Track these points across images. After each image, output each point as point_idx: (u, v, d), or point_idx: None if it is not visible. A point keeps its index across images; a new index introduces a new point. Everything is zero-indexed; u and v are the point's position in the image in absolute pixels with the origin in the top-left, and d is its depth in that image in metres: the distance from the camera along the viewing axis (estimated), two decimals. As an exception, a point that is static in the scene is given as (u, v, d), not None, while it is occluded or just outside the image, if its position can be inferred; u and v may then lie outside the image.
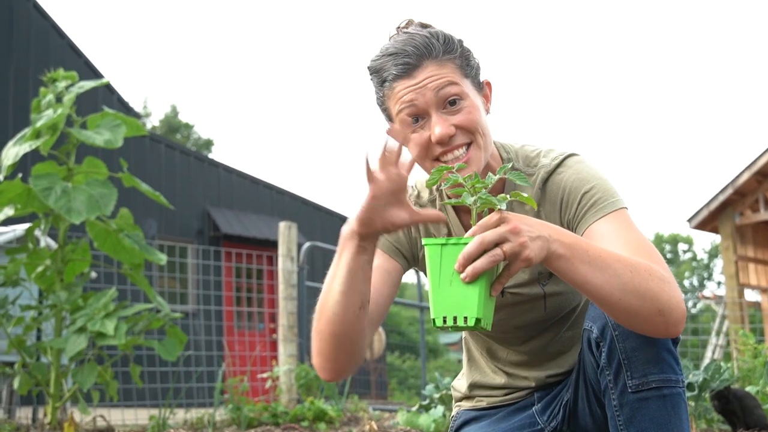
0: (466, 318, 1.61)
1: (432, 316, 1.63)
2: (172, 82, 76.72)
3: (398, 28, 2.03)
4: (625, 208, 1.94)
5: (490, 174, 1.70)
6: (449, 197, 1.98)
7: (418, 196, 2.17)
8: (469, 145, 1.94)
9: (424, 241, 1.66)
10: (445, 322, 1.62)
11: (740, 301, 13.12)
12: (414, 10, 2.09)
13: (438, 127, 1.90)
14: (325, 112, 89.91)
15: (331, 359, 1.90)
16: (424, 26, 2.00)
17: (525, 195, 1.68)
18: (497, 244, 1.60)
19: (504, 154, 2.10)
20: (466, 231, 1.70)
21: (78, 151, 5.11)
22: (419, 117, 1.93)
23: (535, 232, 1.63)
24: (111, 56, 75.56)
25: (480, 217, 1.67)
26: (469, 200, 1.67)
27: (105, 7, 79.68)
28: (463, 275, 1.60)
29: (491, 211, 1.67)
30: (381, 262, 2.05)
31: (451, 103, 1.91)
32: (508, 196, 1.67)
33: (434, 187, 2.12)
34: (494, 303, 1.69)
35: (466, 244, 1.60)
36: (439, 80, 1.90)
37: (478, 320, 1.60)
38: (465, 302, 1.60)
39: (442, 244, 1.63)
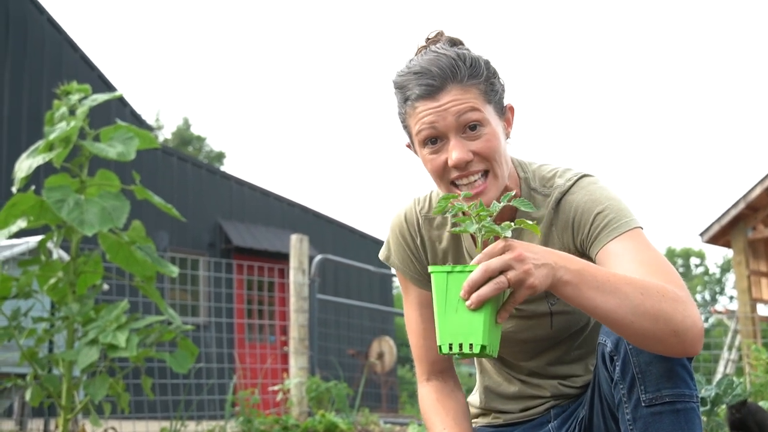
0: (471, 345, 1.62)
1: (438, 343, 1.65)
2: (184, 95, 77.05)
3: (427, 39, 2.03)
4: (640, 227, 1.94)
5: (495, 202, 1.70)
6: (454, 225, 1.99)
7: (430, 208, 2.18)
8: (486, 173, 1.94)
9: (430, 268, 1.68)
10: (451, 348, 1.64)
11: (753, 316, 13.05)
12: (436, 25, 2.08)
13: (455, 152, 1.90)
14: (336, 125, 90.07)
15: None
16: (453, 43, 2.00)
17: (530, 222, 1.68)
18: (502, 271, 1.61)
19: (521, 173, 2.10)
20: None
21: (91, 163, 5.13)
22: (438, 139, 1.93)
23: (541, 260, 1.64)
24: (124, 69, 75.93)
25: (486, 244, 1.68)
26: (472, 228, 1.68)
27: (119, 20, 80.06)
28: (468, 302, 1.61)
29: (497, 238, 1.68)
30: (416, 296, 2.16)
31: (471, 128, 1.91)
32: (512, 224, 1.67)
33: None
34: (500, 330, 1.70)
35: (471, 271, 1.62)
36: (462, 105, 1.90)
37: (483, 347, 1.62)
38: (471, 329, 1.62)
39: (448, 272, 1.65)
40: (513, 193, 1.75)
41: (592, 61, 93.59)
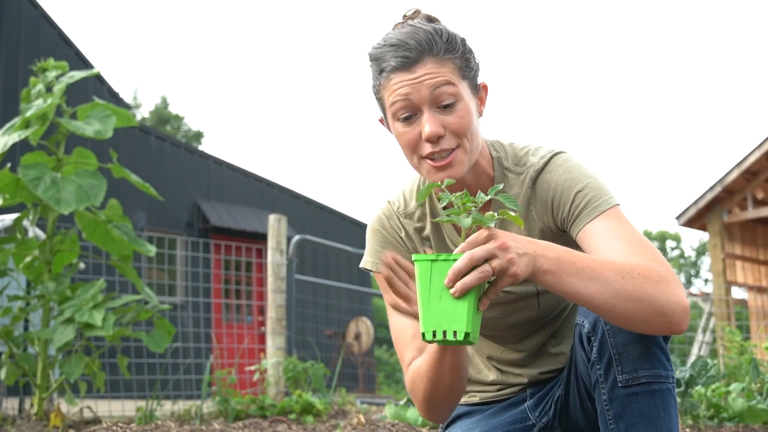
0: (455, 332, 1.64)
1: (421, 330, 1.66)
2: (162, 74, 76.60)
3: (404, 16, 2.03)
4: (618, 204, 1.95)
5: (480, 193, 1.71)
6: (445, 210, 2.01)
7: (406, 205, 2.18)
8: (455, 148, 1.94)
9: (414, 257, 1.69)
10: (434, 336, 1.65)
11: (727, 299, 13.17)
12: (415, 4, 2.08)
13: (428, 125, 1.90)
14: (315, 106, 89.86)
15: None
16: (430, 20, 2.00)
17: (513, 214, 1.69)
18: (486, 260, 1.63)
19: (494, 152, 2.10)
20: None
21: (68, 141, 5.10)
22: (412, 112, 1.93)
23: (522, 249, 1.65)
24: (102, 47, 75.40)
25: (468, 233, 1.70)
26: (465, 223, 1.68)
27: (95, -3, 79.42)
28: (452, 290, 1.63)
29: (479, 227, 1.69)
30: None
31: (446, 104, 1.91)
32: (496, 214, 1.68)
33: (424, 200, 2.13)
34: (481, 317, 1.71)
35: (455, 260, 1.63)
36: (437, 78, 1.90)
37: (467, 334, 1.64)
38: (454, 317, 1.64)
39: (432, 260, 1.66)
40: (501, 186, 1.75)
41: (571, 45, 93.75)
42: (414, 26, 1.94)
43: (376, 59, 1.96)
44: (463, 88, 1.94)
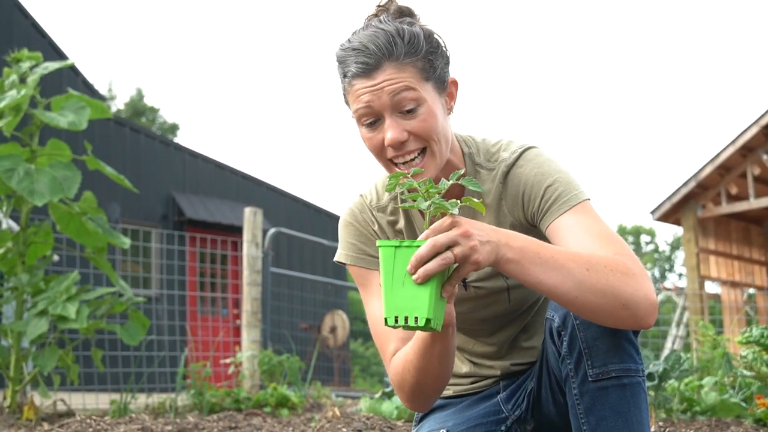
0: (417, 318, 1.65)
1: (384, 315, 1.67)
2: (137, 66, 76.13)
3: (378, 7, 2.01)
4: (588, 199, 1.96)
5: (443, 180, 1.71)
6: (403, 201, 2.03)
7: (378, 199, 2.18)
8: (423, 151, 1.94)
9: (378, 243, 1.70)
10: (396, 321, 1.67)
11: (701, 293, 13.26)
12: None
13: (390, 131, 1.91)
14: (291, 99, 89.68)
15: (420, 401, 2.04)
16: (401, 13, 1.98)
17: (476, 201, 1.70)
18: (449, 247, 1.63)
19: (465, 148, 2.11)
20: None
21: (42, 132, 5.07)
22: (374, 118, 1.93)
23: (485, 237, 1.66)
24: (76, 38, 74.89)
25: (433, 221, 1.71)
26: (423, 205, 1.69)
27: (71, -13, 78.83)
28: (414, 276, 1.63)
29: (443, 215, 1.70)
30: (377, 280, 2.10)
31: (407, 109, 1.91)
32: (459, 201, 1.69)
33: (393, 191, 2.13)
34: (445, 304, 1.72)
35: (418, 246, 1.64)
36: (397, 84, 1.89)
37: (428, 320, 1.65)
38: (416, 303, 1.65)
39: (396, 246, 1.67)
40: (462, 171, 1.75)
41: (547, 41, 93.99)
42: (376, 27, 1.93)
43: (340, 62, 1.97)
44: (426, 90, 1.93)
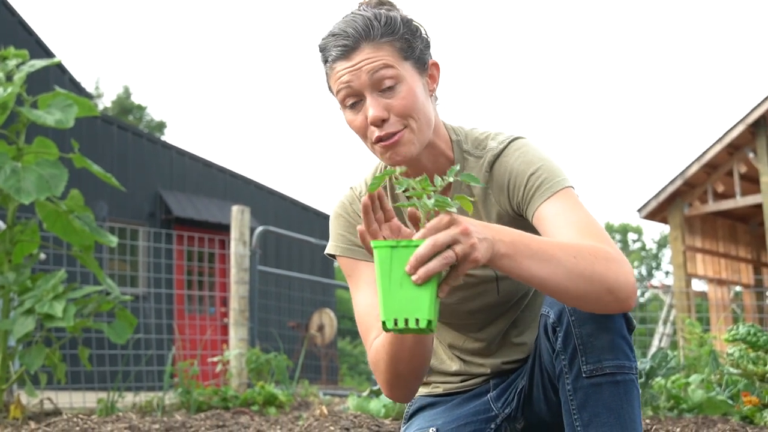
0: (417, 320, 1.60)
1: (382, 319, 1.61)
2: (124, 63, 75.88)
3: (360, 2, 2.06)
4: (571, 186, 1.97)
5: (437, 177, 1.69)
6: (400, 198, 2.06)
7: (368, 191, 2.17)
8: (402, 129, 1.96)
9: (373, 243, 1.64)
10: (396, 324, 1.61)
11: (687, 291, 13.30)
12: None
13: (372, 109, 1.93)
14: (279, 97, 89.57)
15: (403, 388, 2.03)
16: (382, 3, 2.03)
17: (470, 200, 1.68)
18: (449, 245, 1.60)
19: (454, 136, 2.12)
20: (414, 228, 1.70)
21: (28, 130, 5.05)
22: (356, 99, 1.96)
23: (482, 234, 1.64)
24: (63, 35, 74.61)
25: (427, 219, 1.66)
26: (429, 203, 1.64)
27: (57, -15, 78.51)
28: (414, 277, 1.58)
29: (437, 212, 1.66)
30: (370, 273, 2.08)
31: (386, 86, 1.94)
32: (450, 200, 1.66)
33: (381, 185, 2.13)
34: (439, 304, 1.68)
35: (417, 246, 1.59)
36: (375, 63, 1.93)
37: (429, 322, 1.60)
38: (416, 304, 1.59)
39: (392, 246, 1.61)
40: (458, 167, 1.74)
41: (535, 38, 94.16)
42: (355, 14, 1.98)
43: (321, 50, 2.01)
44: (405, 69, 1.96)
